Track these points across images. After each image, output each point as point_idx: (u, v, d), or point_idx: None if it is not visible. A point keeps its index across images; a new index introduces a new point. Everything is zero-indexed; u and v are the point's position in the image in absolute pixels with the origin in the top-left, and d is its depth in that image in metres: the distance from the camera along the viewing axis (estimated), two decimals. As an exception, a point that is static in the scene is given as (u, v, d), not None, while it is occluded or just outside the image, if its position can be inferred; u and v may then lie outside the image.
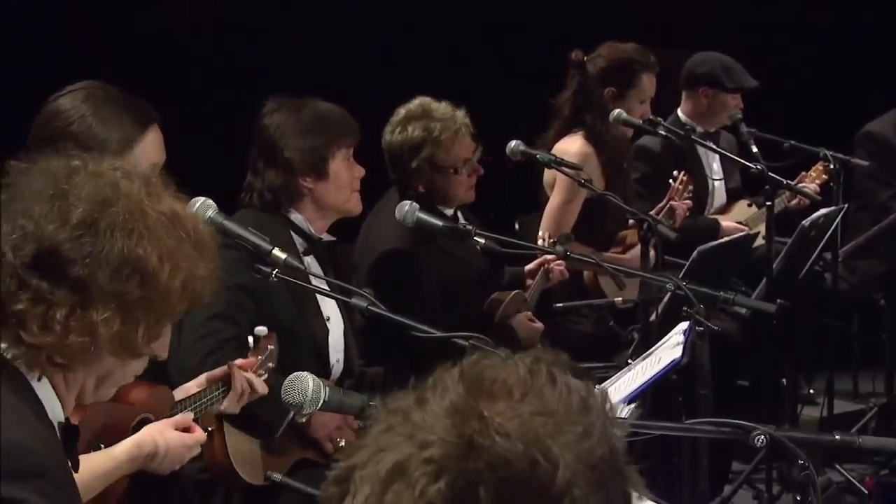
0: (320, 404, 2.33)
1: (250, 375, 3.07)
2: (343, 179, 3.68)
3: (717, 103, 5.66)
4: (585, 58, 5.10)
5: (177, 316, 1.95)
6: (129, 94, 2.76)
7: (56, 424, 1.91)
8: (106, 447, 2.67)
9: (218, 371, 3.06)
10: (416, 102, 4.45)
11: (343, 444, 3.58)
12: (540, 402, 1.22)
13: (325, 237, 3.80)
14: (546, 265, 4.70)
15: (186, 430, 2.77)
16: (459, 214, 4.53)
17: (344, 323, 3.78)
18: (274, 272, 2.88)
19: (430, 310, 4.23)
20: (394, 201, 4.27)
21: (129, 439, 2.67)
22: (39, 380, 1.87)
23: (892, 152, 5.85)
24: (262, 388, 3.10)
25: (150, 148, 2.72)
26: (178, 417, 2.76)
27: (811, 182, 5.61)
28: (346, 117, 3.74)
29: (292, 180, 3.64)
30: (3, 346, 1.85)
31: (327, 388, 2.35)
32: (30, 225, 1.83)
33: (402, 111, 4.45)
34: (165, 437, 2.69)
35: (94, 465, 2.53)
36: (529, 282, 4.70)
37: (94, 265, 1.82)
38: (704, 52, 5.79)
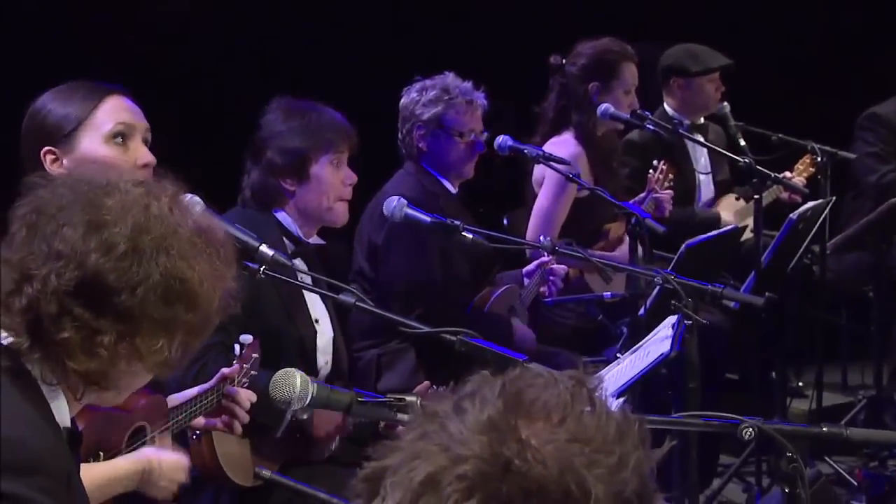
0: (308, 400, 2.33)
1: (239, 392, 3.08)
2: (325, 185, 3.66)
3: (692, 91, 5.66)
4: (563, 60, 5.13)
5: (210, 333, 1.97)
6: (89, 80, 2.81)
7: (63, 430, 1.91)
8: (104, 453, 2.71)
9: (208, 385, 3.08)
10: (440, 76, 4.57)
11: (335, 447, 3.59)
12: (578, 428, 1.22)
13: (315, 240, 3.79)
14: (544, 266, 4.70)
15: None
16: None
17: (333, 324, 3.78)
18: (261, 269, 2.87)
19: (428, 266, 4.35)
20: (403, 176, 4.41)
21: (127, 456, 2.73)
22: (53, 386, 1.88)
23: (893, 132, 5.89)
24: (251, 399, 3.11)
25: (110, 112, 2.74)
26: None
27: (798, 175, 5.62)
28: (337, 123, 3.72)
29: (273, 181, 3.66)
30: (39, 370, 1.86)
31: (315, 385, 2.35)
32: (67, 249, 1.82)
33: (424, 80, 4.57)
34: (160, 457, 2.77)
35: (95, 477, 2.56)
36: (527, 281, 4.71)
37: (142, 294, 1.82)
38: (666, 46, 5.81)
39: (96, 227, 1.83)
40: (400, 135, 4.58)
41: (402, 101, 4.57)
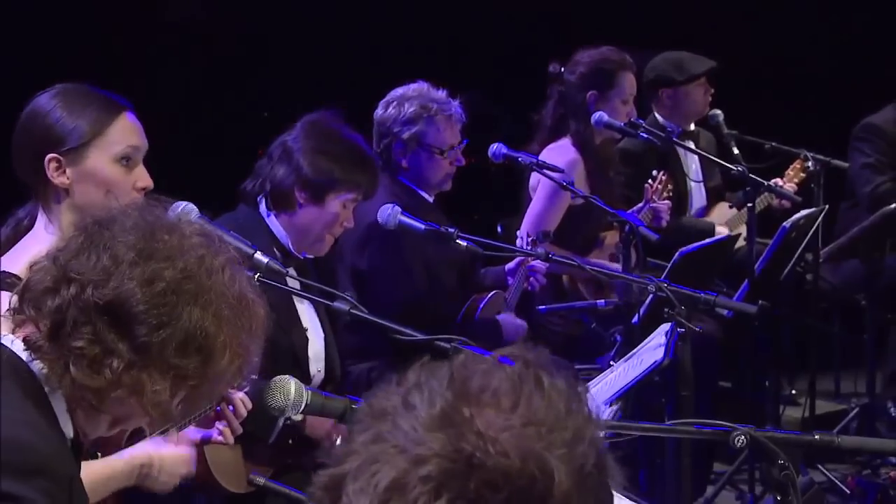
0: (302, 408, 2.34)
1: (237, 399, 3.09)
2: (330, 218, 3.68)
3: (680, 99, 5.64)
4: (562, 68, 5.14)
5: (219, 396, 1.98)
6: (98, 88, 2.83)
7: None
8: (102, 452, 2.72)
9: None
10: (414, 85, 4.49)
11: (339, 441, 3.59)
12: (529, 411, 1.22)
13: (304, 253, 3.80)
14: (525, 264, 4.68)
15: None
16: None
17: (324, 331, 3.78)
18: (256, 276, 2.87)
19: (415, 286, 4.31)
20: (382, 186, 4.34)
21: (125, 451, 2.75)
22: (54, 394, 1.89)
23: (890, 143, 5.91)
24: (248, 406, 3.11)
25: (122, 132, 2.76)
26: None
27: (790, 181, 5.64)
28: (372, 170, 3.75)
29: (291, 186, 3.67)
30: (39, 365, 1.88)
31: (309, 392, 2.36)
32: (112, 266, 1.85)
33: (398, 91, 4.49)
34: (160, 452, 2.78)
35: (93, 474, 2.57)
36: (510, 280, 4.69)
37: (165, 335, 1.85)
38: (657, 56, 5.79)
39: (146, 256, 1.87)
40: (378, 147, 4.47)
41: (379, 114, 4.48)
